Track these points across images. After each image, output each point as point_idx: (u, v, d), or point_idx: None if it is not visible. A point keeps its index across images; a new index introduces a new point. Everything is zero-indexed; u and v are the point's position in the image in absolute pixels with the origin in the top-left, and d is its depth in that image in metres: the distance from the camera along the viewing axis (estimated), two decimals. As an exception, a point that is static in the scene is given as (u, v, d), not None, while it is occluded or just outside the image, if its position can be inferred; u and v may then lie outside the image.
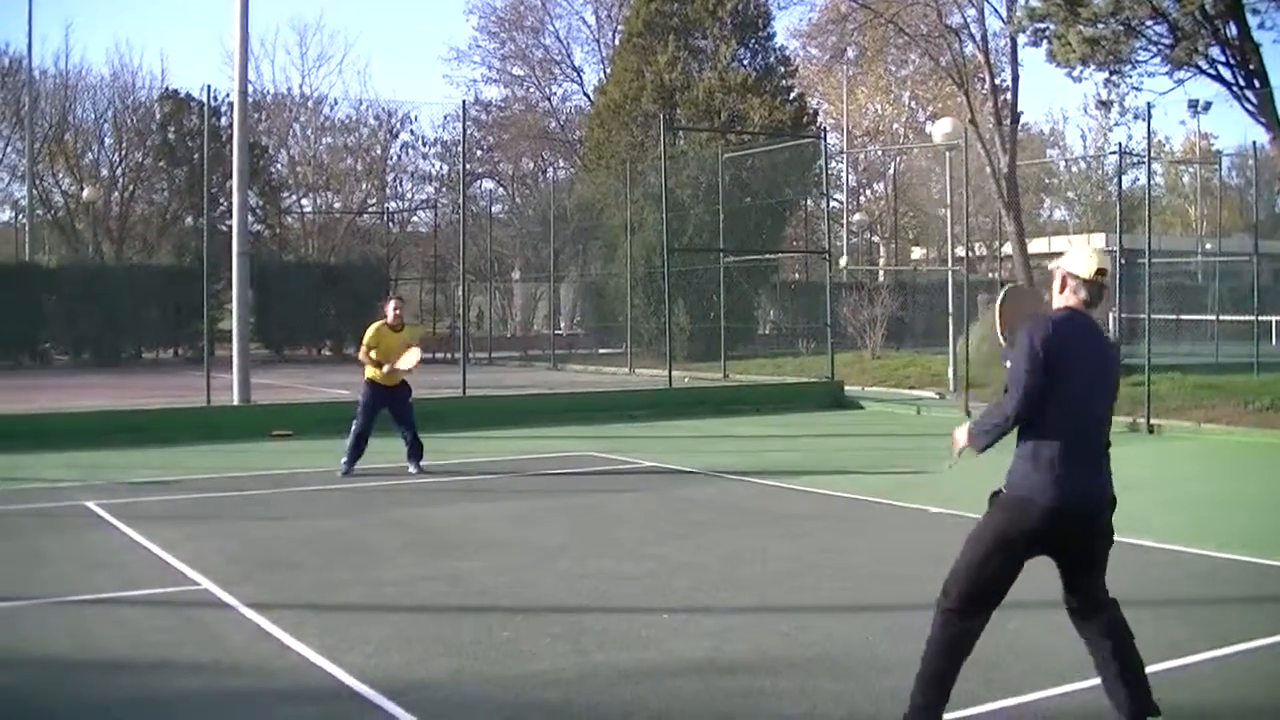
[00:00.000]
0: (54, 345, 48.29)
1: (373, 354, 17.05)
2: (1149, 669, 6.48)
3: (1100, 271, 6.40)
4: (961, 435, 6.68)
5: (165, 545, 11.93)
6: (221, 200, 42.33)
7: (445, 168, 64.86)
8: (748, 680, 7.73)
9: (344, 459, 16.98)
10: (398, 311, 17.31)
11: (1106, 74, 27.56)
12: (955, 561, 6.48)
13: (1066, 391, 6.21)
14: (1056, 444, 6.21)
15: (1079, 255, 6.51)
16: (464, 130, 35.02)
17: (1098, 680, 6.49)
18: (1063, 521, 6.22)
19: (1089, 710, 6.89)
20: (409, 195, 66.53)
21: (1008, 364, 6.39)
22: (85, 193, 52.46)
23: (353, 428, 17.06)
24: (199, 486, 16.54)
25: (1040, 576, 10.23)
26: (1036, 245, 54.44)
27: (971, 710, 6.98)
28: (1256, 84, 24.77)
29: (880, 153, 68.56)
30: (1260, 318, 36.42)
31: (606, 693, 7.53)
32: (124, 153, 56.08)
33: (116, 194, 56.20)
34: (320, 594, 10.14)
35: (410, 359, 17.09)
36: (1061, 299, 6.48)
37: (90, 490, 15.71)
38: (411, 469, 17.26)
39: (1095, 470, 6.35)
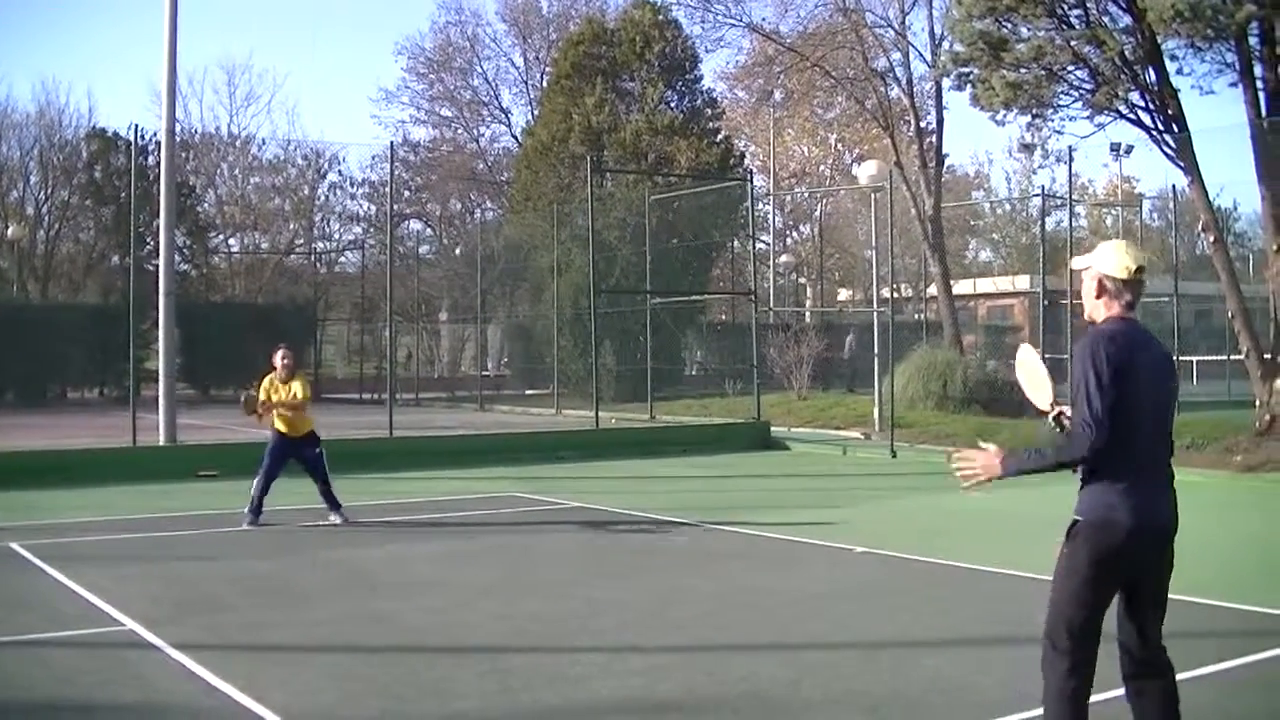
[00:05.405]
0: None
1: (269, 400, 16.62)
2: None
3: (1140, 269, 5.93)
4: (991, 459, 6.00)
5: (91, 586, 11.85)
6: (148, 240, 41.93)
7: (373, 208, 64.80)
8: (674, 719, 7.79)
9: (248, 509, 16.35)
10: (286, 362, 16.69)
11: (1029, 118, 27.86)
12: (1053, 605, 5.87)
13: (1136, 409, 5.71)
14: (1130, 465, 5.72)
15: (1113, 254, 5.96)
16: (391, 171, 35.13)
17: (1018, 715, 6.47)
18: (1144, 541, 5.75)
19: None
20: (336, 235, 66.44)
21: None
22: (10, 231, 51.92)
23: (258, 478, 16.52)
24: (125, 527, 16.41)
25: (959, 614, 10.34)
26: (961, 287, 54.89)
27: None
28: (1175, 129, 25.10)
29: (807, 194, 68.87)
30: (1180, 358, 36.84)
31: (533, 731, 7.57)
32: (50, 191, 55.72)
33: (42, 232, 55.80)
34: (247, 634, 10.12)
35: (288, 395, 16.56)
36: (1100, 305, 5.97)
37: (14, 532, 15.53)
38: (333, 519, 16.60)
39: (1166, 491, 5.90)
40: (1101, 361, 5.68)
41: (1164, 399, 5.94)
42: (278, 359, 16.72)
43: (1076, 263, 6.14)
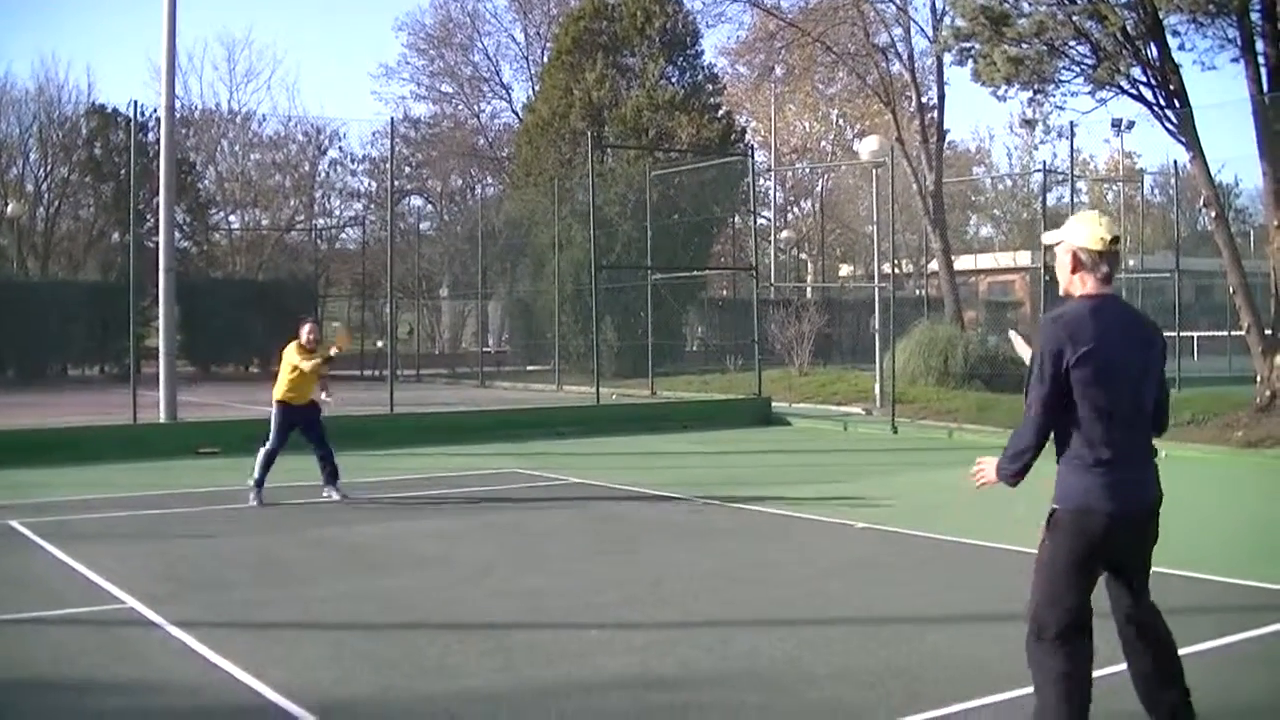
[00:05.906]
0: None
1: (297, 368, 16.75)
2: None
3: (1115, 239, 5.83)
4: (990, 468, 6.16)
5: (91, 564, 11.84)
6: (148, 216, 41.98)
7: (373, 184, 64.80)
8: (675, 694, 7.77)
9: (253, 483, 16.21)
10: (311, 335, 16.71)
11: (1031, 93, 27.83)
12: (1034, 594, 5.89)
13: (1106, 388, 5.69)
14: (1107, 448, 5.70)
15: (1085, 226, 5.89)
16: (392, 147, 35.03)
17: (1021, 690, 6.43)
18: (1125, 523, 5.76)
19: (1010, 722, 6.97)
20: (337, 212, 66.48)
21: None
22: (10, 208, 51.78)
23: (263, 448, 16.38)
24: (125, 505, 16.41)
25: (960, 590, 10.35)
26: (962, 262, 54.85)
27: (895, 722, 7.05)
28: (1177, 104, 25.03)
29: (808, 170, 68.79)
30: (1181, 334, 36.79)
31: (535, 708, 7.56)
32: (49, 168, 55.68)
33: (42, 209, 55.75)
34: (247, 612, 10.11)
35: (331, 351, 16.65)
36: (1076, 279, 5.93)
37: (14, 509, 15.49)
38: (329, 494, 16.55)
39: (1145, 469, 5.91)
40: (1043, 352, 5.74)
41: (1141, 375, 5.88)
42: (304, 333, 16.69)
43: (1048, 237, 6.11)
